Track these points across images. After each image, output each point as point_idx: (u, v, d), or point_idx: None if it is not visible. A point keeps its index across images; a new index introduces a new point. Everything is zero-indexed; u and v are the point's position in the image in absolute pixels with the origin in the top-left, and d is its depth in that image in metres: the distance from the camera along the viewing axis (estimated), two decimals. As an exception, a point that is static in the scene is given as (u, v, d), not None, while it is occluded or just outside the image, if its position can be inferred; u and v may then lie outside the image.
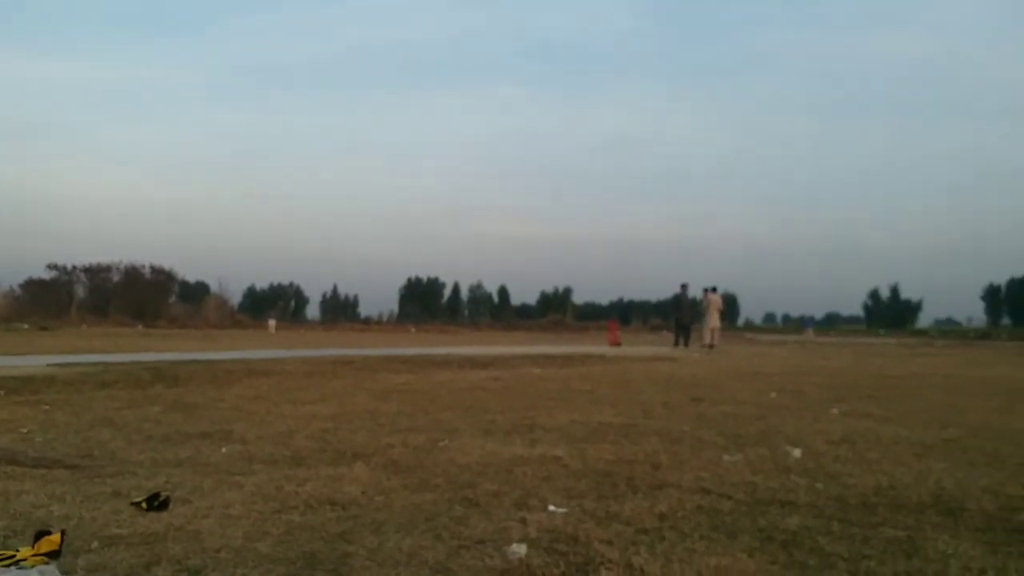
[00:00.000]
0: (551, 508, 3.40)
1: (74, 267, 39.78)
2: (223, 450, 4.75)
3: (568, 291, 79.51)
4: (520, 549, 2.80)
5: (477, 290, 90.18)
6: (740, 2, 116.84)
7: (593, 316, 68.33)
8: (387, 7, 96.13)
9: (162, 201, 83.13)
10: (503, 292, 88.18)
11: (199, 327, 35.36)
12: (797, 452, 4.89)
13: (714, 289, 24.66)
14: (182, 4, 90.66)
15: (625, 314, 72.58)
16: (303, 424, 5.82)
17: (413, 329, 47.52)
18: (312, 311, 78.24)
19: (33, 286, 38.71)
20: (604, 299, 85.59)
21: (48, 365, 9.74)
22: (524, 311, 79.32)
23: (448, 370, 11.40)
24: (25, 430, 5.35)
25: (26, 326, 29.05)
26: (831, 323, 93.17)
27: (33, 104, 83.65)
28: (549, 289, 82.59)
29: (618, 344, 23.57)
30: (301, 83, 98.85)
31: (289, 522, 3.13)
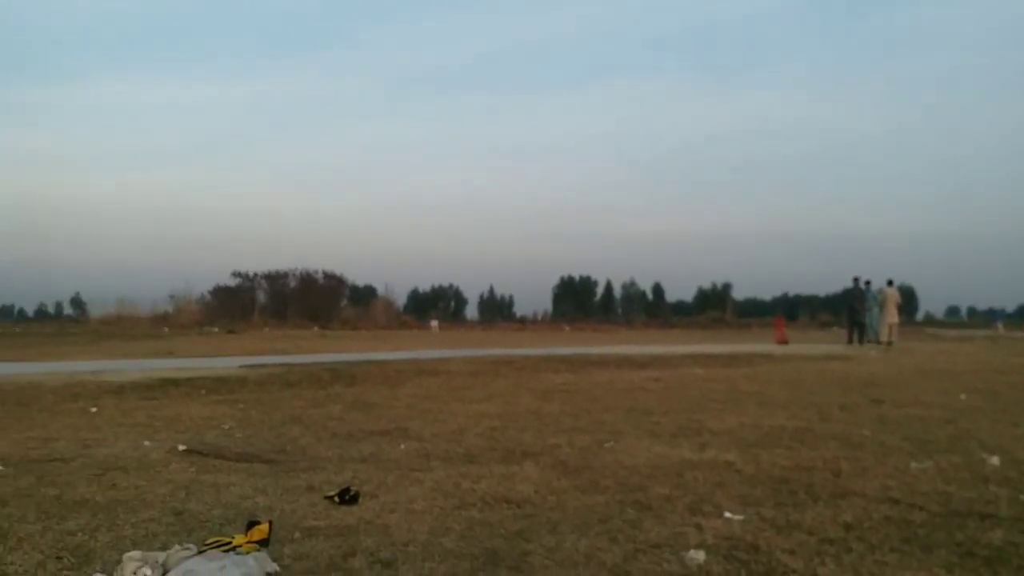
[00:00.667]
0: (727, 514, 3.34)
1: (256, 274, 43.03)
2: (402, 447, 5.01)
3: (727, 286, 76.92)
4: (698, 555, 2.77)
5: (630, 287, 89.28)
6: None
7: (755, 312, 65.82)
8: (513, 10, 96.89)
9: (331, 209, 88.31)
10: (657, 289, 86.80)
11: (368, 328, 37.32)
12: (995, 460, 4.52)
13: (890, 282, 23.17)
14: (325, 22, 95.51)
15: (791, 310, 69.34)
16: (472, 422, 6.02)
17: (568, 328, 47.76)
18: (471, 311, 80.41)
19: (221, 293, 42.27)
20: (767, 294, 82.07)
21: (240, 367, 10.62)
22: (680, 308, 77.71)
23: (606, 370, 11.39)
24: (226, 427, 5.88)
25: (216, 329, 31.81)
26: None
27: (212, 124, 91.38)
28: (707, 285, 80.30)
29: (785, 342, 22.59)
30: (442, 89, 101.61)
31: (469, 518, 3.26)
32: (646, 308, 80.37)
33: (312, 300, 42.61)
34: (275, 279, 43.33)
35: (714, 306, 64.42)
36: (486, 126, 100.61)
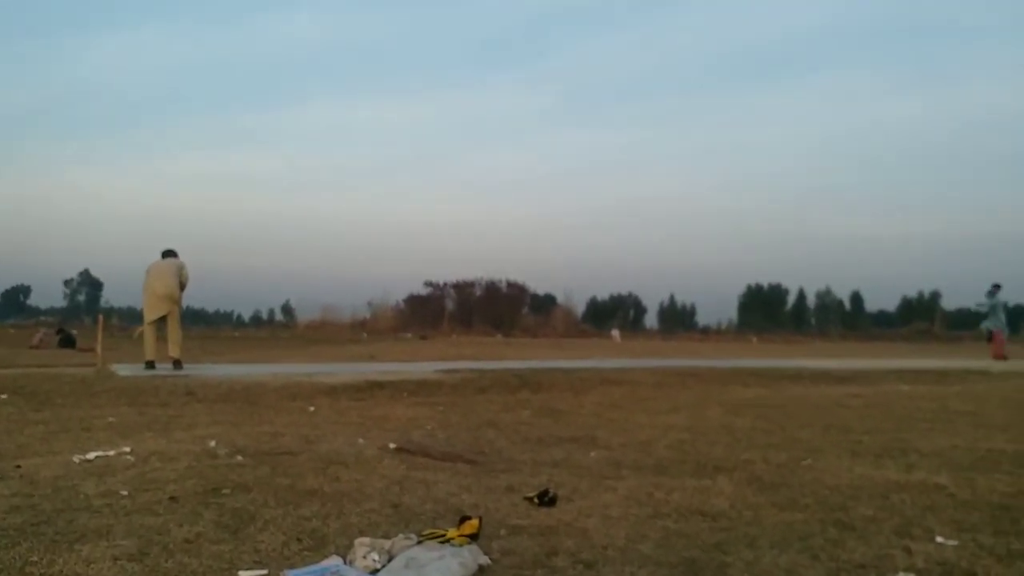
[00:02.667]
0: (939, 539, 3.18)
1: (445, 283, 45.16)
2: (592, 454, 5.14)
3: (935, 295, 70.63)
4: (908, 580, 2.68)
5: (825, 296, 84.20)
6: None
7: (967, 325, 60.00)
8: (715, 11, 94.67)
9: (515, 219, 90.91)
10: (856, 298, 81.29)
11: (547, 336, 37.97)
12: None
13: None
14: (514, 38, 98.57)
15: (1012, 322, 62.59)
16: (660, 434, 6.05)
17: (755, 339, 45.96)
18: (650, 320, 79.35)
19: (413, 301, 44.71)
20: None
21: (435, 371, 11.23)
22: (881, 319, 72.31)
23: (800, 384, 10.94)
24: (428, 427, 6.29)
25: (409, 335, 33.68)
26: None
27: (410, 139, 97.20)
28: (912, 293, 74.22)
29: (1004, 358, 20.50)
30: (635, 98, 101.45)
31: (665, 528, 3.33)
32: (843, 319, 75.52)
33: (496, 308, 44.06)
34: (462, 288, 45.28)
35: (920, 317, 59.43)
36: (670, 131, 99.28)
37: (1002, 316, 20.52)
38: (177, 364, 10.50)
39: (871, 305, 78.90)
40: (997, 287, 20.68)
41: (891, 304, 76.08)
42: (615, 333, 41.68)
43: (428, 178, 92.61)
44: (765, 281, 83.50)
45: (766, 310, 78.51)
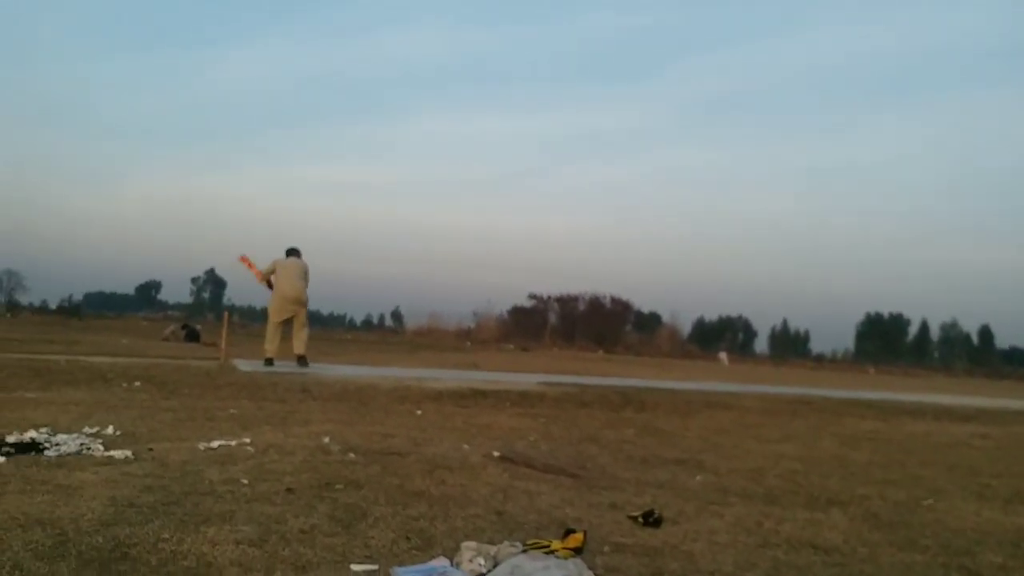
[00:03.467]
0: (1079, 597, 2.95)
1: (549, 297, 45.32)
2: (697, 478, 5.04)
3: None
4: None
5: (951, 329, 79.41)
6: None
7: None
8: (836, 30, 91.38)
9: (622, 236, 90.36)
10: (985, 332, 76.30)
11: (652, 355, 37.45)
12: None
13: None
14: (627, 53, 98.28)
15: None
16: (771, 463, 5.86)
17: (872, 370, 43.84)
18: (760, 345, 76.90)
19: (516, 312, 45.09)
20: None
21: (537, 383, 11.28)
22: (1014, 356, 67.59)
23: (922, 420, 10.36)
24: (531, 438, 6.32)
25: (511, 346, 33.93)
26: None
27: (512, 155, 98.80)
28: (1051, 331, 68.92)
29: None
30: (744, 113, 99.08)
31: (775, 558, 3.23)
32: (970, 354, 71.05)
33: (598, 323, 43.86)
34: (566, 302, 45.35)
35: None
36: (787, 150, 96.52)
37: None
38: (302, 361, 10.94)
39: (1002, 341, 73.78)
40: None
41: (1024, 340, 70.92)
42: (723, 356, 40.70)
43: (536, 191, 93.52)
44: (886, 310, 79.54)
45: (885, 340, 74.81)
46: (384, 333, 44.66)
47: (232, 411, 6.73)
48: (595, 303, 46.52)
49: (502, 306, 45.80)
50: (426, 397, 8.53)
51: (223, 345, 11.79)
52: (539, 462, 5.13)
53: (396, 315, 60.36)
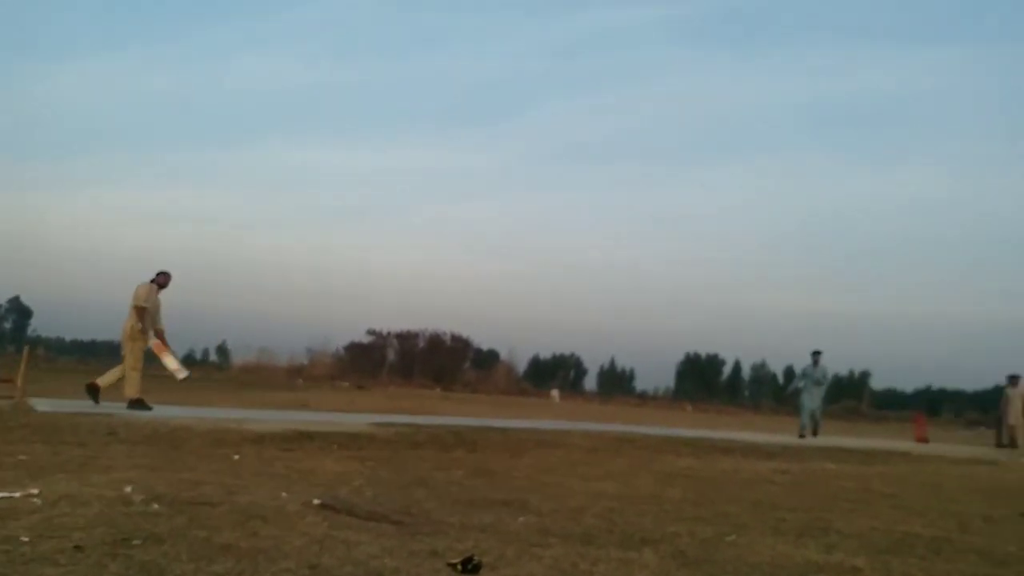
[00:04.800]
0: (853, 625, 3.22)
1: (388, 333, 44.74)
2: (520, 520, 5.09)
3: (865, 375, 72.71)
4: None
5: (760, 369, 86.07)
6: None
7: (894, 405, 61.92)
8: (677, 83, 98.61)
9: (461, 273, 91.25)
10: (789, 373, 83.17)
11: (488, 392, 37.80)
12: None
13: (1015, 378, 21.01)
14: (484, 97, 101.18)
15: (933, 405, 64.74)
16: (591, 501, 6.03)
17: (690, 407, 46.54)
18: (590, 382, 79.70)
19: (353, 349, 44.14)
20: (908, 386, 77.03)
21: (369, 424, 11.06)
22: (811, 395, 73.93)
23: (732, 457, 11.07)
24: (356, 484, 6.16)
25: (346, 384, 33.14)
26: None
27: (358, 190, 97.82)
28: (843, 371, 76.24)
29: (926, 440, 21.13)
30: (592, 160, 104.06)
31: (586, 602, 3.31)
32: (775, 392, 77.00)
33: (438, 361, 43.77)
34: (406, 339, 44.94)
35: (849, 395, 60.99)
36: (623, 197, 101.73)
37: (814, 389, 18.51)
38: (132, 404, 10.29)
39: (799, 382, 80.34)
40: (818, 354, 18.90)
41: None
42: (555, 393, 41.75)
43: (379, 227, 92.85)
44: (704, 350, 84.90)
45: (702, 379, 79.70)
46: (208, 369, 42.21)
47: (21, 457, 6.10)
48: (435, 340, 46.41)
49: (339, 342, 44.69)
50: (246, 440, 8.13)
51: (20, 382, 10.71)
52: (362, 509, 5.00)
53: (222, 350, 57.36)
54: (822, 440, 16.67)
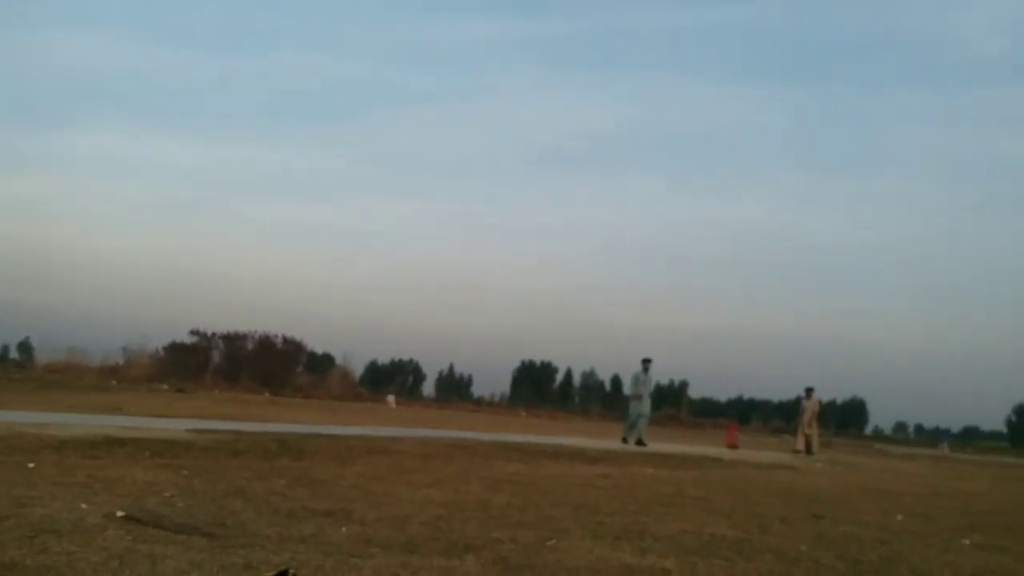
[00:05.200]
0: (659, 624, 3.39)
1: (214, 334, 42.34)
2: (343, 530, 4.98)
3: (684, 384, 77.42)
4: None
5: (590, 377, 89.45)
6: (873, 97, 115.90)
7: (710, 413, 66.33)
8: (526, 101, 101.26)
9: (296, 276, 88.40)
10: (616, 381, 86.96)
11: (322, 397, 36.71)
12: (924, 587, 4.64)
13: (809, 391, 23.34)
14: (330, 97, 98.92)
15: (745, 413, 70.00)
16: (418, 509, 5.99)
17: (523, 413, 47.51)
18: (428, 388, 79.63)
19: (176, 350, 41.43)
20: (722, 396, 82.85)
21: (187, 430, 10.43)
22: (637, 402, 77.59)
23: (559, 462, 11.39)
24: (168, 494, 5.78)
25: (165, 387, 31.08)
26: (969, 438, 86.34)
27: (186, 184, 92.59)
28: (664, 381, 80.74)
29: (735, 446, 22.74)
30: (439, 171, 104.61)
31: (404, 612, 3.27)
32: (604, 399, 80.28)
33: (268, 364, 41.92)
34: (233, 340, 42.66)
35: (670, 403, 64.64)
36: (470, 207, 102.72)
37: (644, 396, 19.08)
38: None
39: (629, 388, 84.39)
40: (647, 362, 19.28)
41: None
42: (391, 399, 41.28)
43: (207, 224, 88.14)
44: (538, 358, 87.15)
45: (536, 386, 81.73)
46: (7, 367, 38.27)
47: None
48: (265, 342, 44.42)
49: (159, 342, 41.80)
50: (45, 447, 7.43)
51: None
52: (171, 521, 4.70)
53: (24, 347, 52.24)
54: (644, 446, 17.51)
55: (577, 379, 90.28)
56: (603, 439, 19.33)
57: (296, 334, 44.93)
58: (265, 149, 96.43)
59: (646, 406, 19.17)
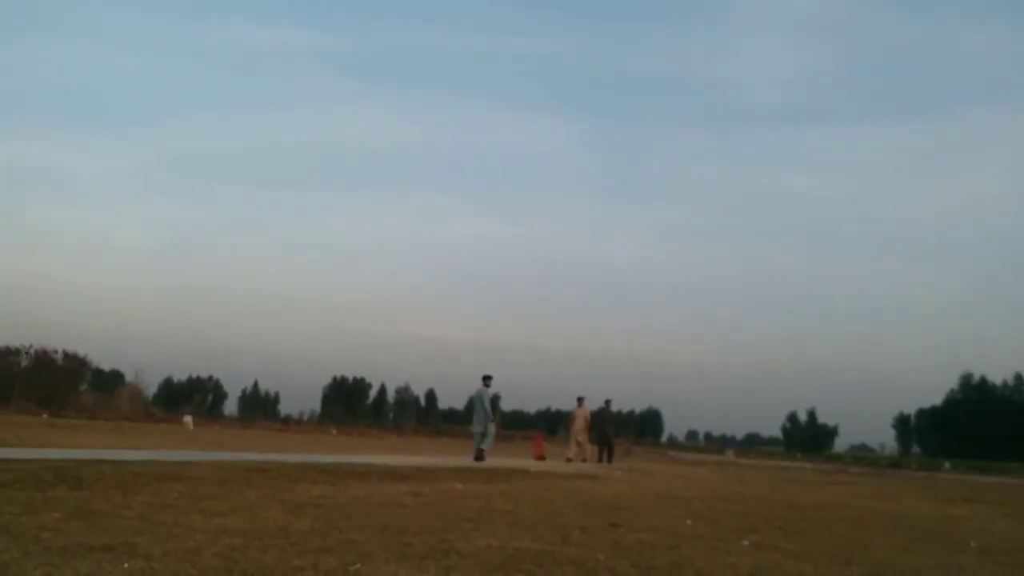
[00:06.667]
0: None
1: (-20, 349, 37.86)
2: (125, 566, 4.58)
3: (496, 397, 79.06)
4: None
5: (404, 392, 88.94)
6: (661, 132, 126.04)
7: (520, 424, 68.08)
8: (333, 113, 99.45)
9: (81, 286, 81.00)
10: (431, 395, 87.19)
11: (110, 418, 33.79)
12: (706, 588, 5.00)
13: (580, 400, 24.54)
14: (124, 97, 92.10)
15: (552, 424, 72.44)
16: (212, 539, 5.64)
17: (335, 431, 46.35)
18: (230, 407, 75.64)
19: (-68, 367, 36.62)
20: (532, 407, 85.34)
21: (-59, 459, 9.21)
22: (451, 416, 78.26)
23: (367, 482, 11.18)
24: (-90, 536, 5.06)
25: (-83, 410, 27.28)
26: (751, 443, 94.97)
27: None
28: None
29: (543, 458, 23.47)
30: (239, 179, 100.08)
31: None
32: (418, 414, 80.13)
33: (45, 382, 38.01)
34: (3, 356, 38.37)
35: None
36: (271, 218, 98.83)
37: (480, 414, 19.57)
38: None
39: (443, 402, 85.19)
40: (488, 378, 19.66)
41: (460, 402, 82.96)
42: (188, 419, 38.81)
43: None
44: (351, 374, 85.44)
45: (348, 402, 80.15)
46: None
47: None
48: (43, 358, 40.24)
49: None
50: None
51: None
52: (-88, 568, 4.11)
53: None
54: (455, 460, 17.63)
55: (392, 394, 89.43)
56: (416, 456, 19.24)
57: (79, 349, 41.17)
58: (46, 146, 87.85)
59: (484, 422, 19.38)
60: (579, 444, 23.49)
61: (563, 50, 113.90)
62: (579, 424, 23.59)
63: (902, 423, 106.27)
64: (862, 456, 77.75)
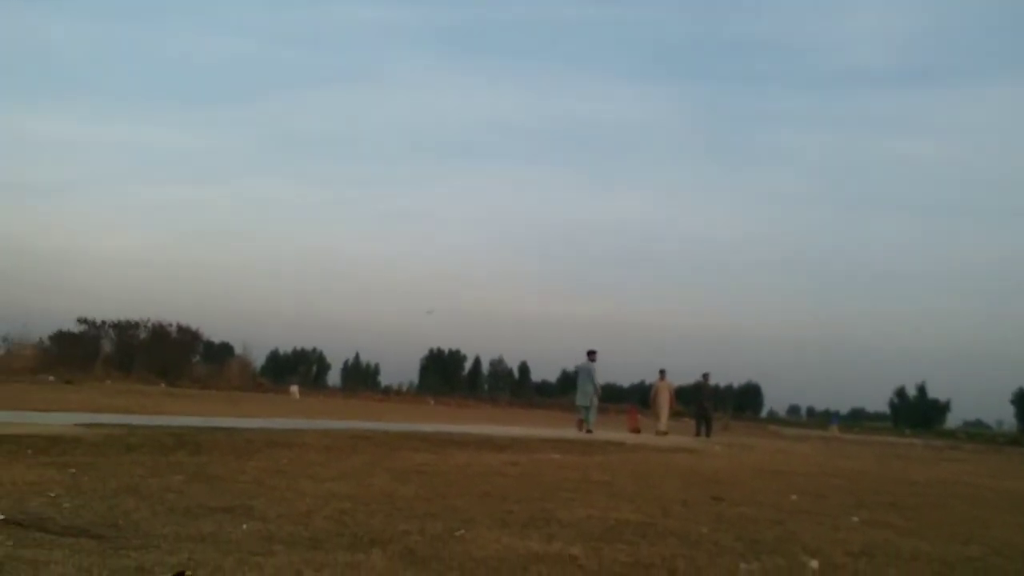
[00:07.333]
0: (565, 611, 3.43)
1: (103, 322, 40.36)
2: (244, 527, 4.82)
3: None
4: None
5: (498, 365, 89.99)
6: (761, 97, 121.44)
7: (614, 398, 67.71)
8: (426, 91, 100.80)
9: (192, 262, 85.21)
10: (524, 368, 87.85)
11: (221, 388, 35.60)
12: (814, 563, 4.86)
13: (662, 373, 24.08)
14: (223, 76, 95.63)
15: (647, 398, 71.79)
16: (322, 503, 5.87)
17: (432, 402, 47.43)
18: (333, 377, 78.15)
19: (62, 339, 39.29)
20: (626, 381, 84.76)
21: (75, 425, 9.90)
22: (544, 388, 78.71)
23: (466, 451, 11.39)
24: (53, 494, 5.46)
25: (52, 378, 29.42)
26: (856, 419, 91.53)
27: (61, 164, 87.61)
28: (570, 367, 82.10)
29: (638, 431, 23.33)
30: (340, 156, 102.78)
31: (308, 611, 3.19)
32: (512, 386, 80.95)
33: (162, 354, 40.30)
34: (124, 329, 40.80)
35: (576, 388, 65.61)
36: (378, 194, 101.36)
37: (587, 388, 20.17)
38: None
39: (536, 375, 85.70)
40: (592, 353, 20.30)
41: (553, 375, 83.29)
42: (294, 389, 40.42)
43: (92, 206, 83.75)
44: (446, 347, 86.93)
45: (444, 374, 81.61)
46: None
47: None
48: (159, 331, 42.62)
49: (43, 331, 39.51)
50: (-88, 447, 6.91)
51: None
52: (57, 523, 4.44)
53: None
54: (551, 431, 17.74)
55: (486, 367, 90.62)
56: (511, 426, 19.47)
57: (192, 322, 43.34)
58: (155, 128, 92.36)
59: (589, 395, 20.03)
60: (658, 418, 23.26)
61: (665, 16, 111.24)
62: (663, 397, 23.34)
63: (1022, 399, 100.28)
64: (977, 433, 74.00)
